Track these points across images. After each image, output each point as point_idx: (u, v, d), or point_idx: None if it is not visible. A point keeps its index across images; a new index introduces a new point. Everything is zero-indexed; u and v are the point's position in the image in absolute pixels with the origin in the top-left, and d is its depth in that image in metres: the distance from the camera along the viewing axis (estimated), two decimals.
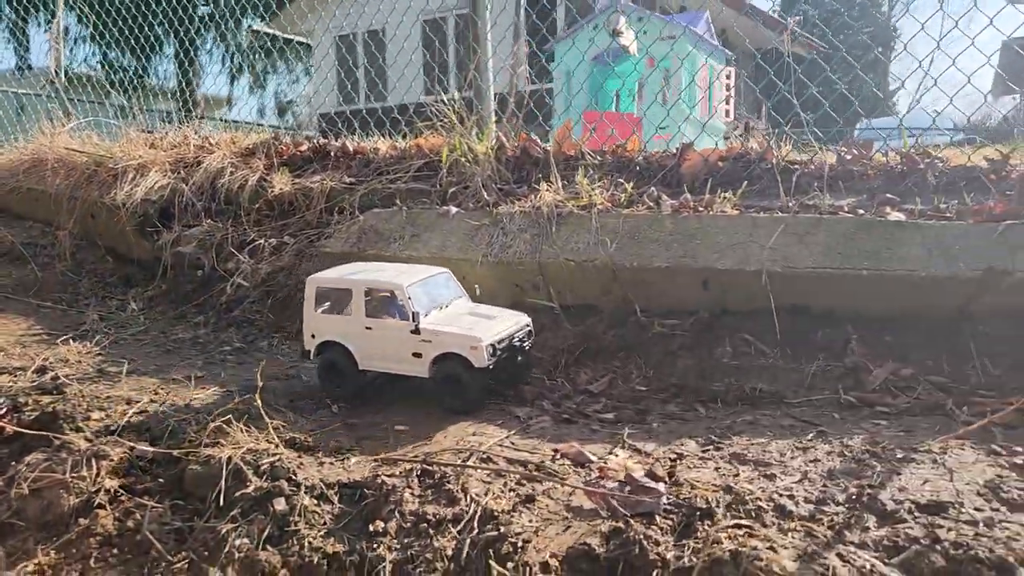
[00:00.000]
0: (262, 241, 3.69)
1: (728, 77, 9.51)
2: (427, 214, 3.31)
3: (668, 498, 1.69)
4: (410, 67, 5.19)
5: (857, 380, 2.30)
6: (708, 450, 1.98)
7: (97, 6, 6.73)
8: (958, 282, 2.32)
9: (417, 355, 2.28)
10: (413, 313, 2.24)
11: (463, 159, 3.55)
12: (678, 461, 1.91)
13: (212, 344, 3.27)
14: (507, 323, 2.35)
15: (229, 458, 1.93)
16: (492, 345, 2.22)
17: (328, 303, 2.43)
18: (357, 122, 5.01)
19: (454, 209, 3.26)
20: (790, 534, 1.55)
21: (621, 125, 4.83)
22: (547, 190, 3.08)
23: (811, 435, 2.00)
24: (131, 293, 3.95)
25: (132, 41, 6.67)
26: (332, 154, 4.12)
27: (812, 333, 2.50)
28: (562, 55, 8.50)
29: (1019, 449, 1.77)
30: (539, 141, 3.56)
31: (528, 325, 2.45)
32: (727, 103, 9.39)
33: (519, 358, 2.39)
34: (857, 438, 1.93)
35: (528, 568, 1.55)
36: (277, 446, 2.00)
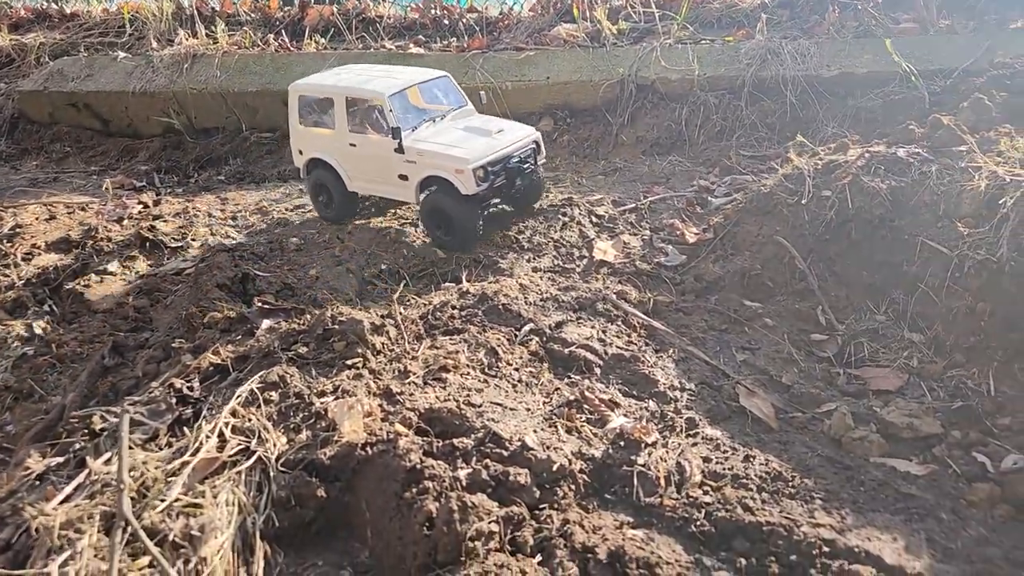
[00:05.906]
0: None
1: None
2: (102, 60, 4.03)
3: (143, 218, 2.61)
4: None
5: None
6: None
7: None
8: None
9: (403, 177, 1.99)
10: (394, 129, 1.93)
11: (150, 17, 4.25)
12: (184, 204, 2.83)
13: None
14: (506, 139, 1.96)
15: None
16: (483, 168, 1.87)
17: (312, 114, 2.19)
18: None
19: (122, 54, 3.99)
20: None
21: None
22: (187, 37, 3.86)
23: (282, 189, 2.96)
24: None
25: None
26: (52, 16, 4.72)
27: None
28: None
29: None
30: (208, 3, 4.28)
31: (535, 140, 2.06)
32: None
33: (518, 181, 1.97)
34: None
35: (22, 247, 2.45)
36: None
